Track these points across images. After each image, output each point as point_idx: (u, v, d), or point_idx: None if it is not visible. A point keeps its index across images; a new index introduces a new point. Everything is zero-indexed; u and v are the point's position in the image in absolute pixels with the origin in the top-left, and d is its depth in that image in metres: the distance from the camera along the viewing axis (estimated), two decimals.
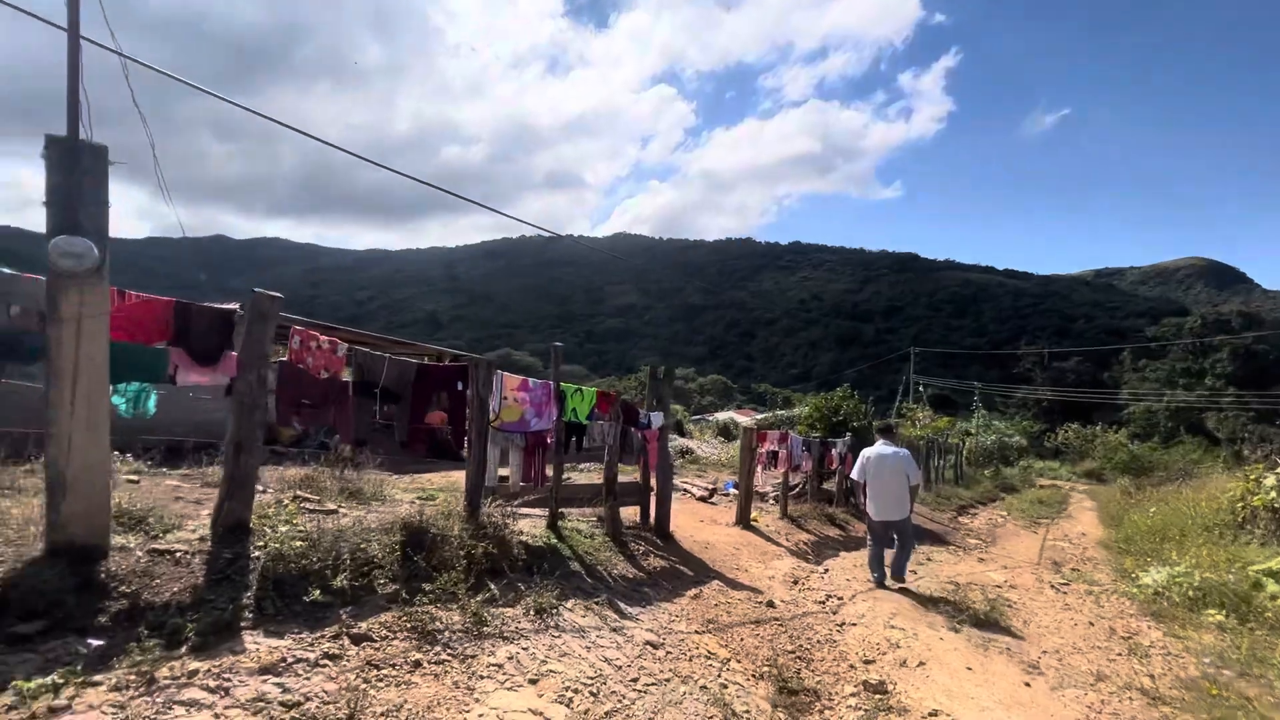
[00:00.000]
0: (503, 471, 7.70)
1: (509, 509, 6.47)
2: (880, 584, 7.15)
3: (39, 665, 2.56)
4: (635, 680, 3.78)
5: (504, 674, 3.38)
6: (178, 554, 3.65)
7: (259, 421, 4.17)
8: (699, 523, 9.55)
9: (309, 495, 6.17)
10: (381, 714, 2.76)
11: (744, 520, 9.47)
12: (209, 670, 2.71)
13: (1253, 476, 11.98)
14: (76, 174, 3.24)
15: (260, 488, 6.55)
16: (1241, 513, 11.53)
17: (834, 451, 11.99)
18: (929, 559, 9.63)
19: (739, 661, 4.60)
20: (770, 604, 6.17)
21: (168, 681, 2.58)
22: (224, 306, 4.04)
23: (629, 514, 8.11)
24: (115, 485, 5.92)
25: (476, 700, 3.07)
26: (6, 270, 3.44)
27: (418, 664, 3.24)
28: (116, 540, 3.75)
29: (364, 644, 3.27)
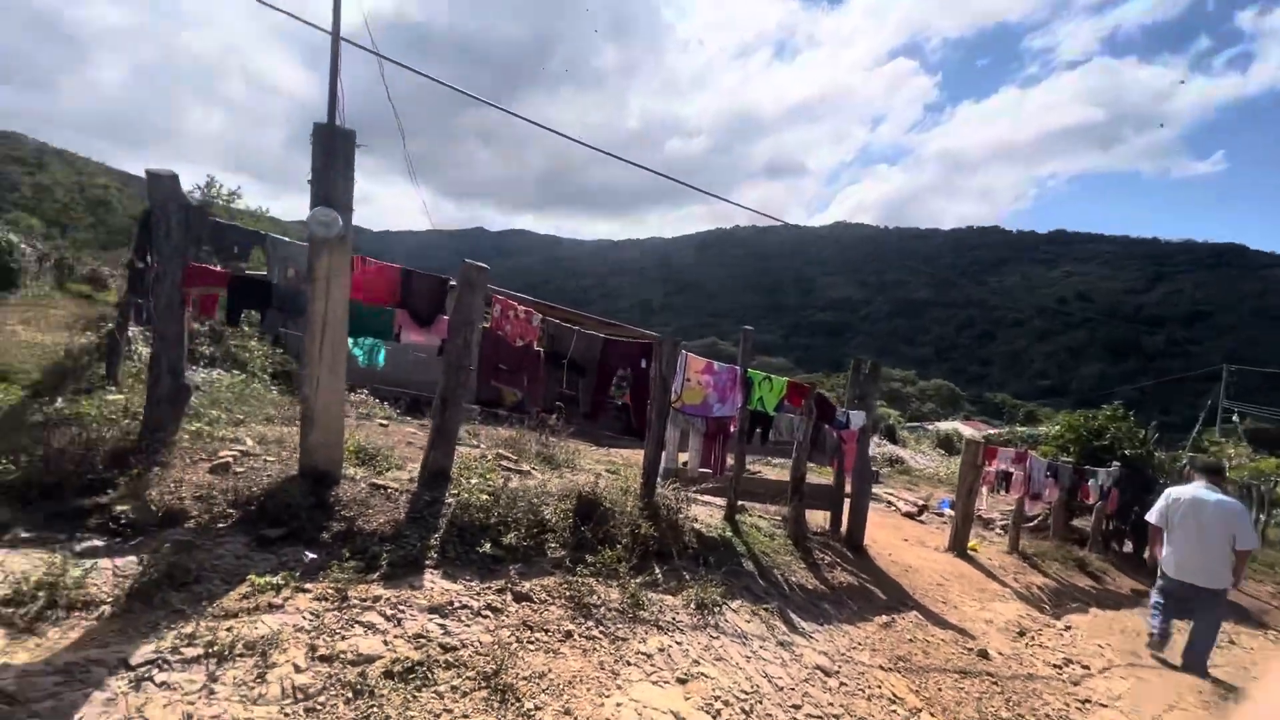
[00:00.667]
0: (683, 456, 7.60)
1: (685, 493, 6.34)
2: (1160, 659, 5.61)
3: (272, 565, 3.04)
4: (797, 707, 3.33)
5: (652, 665, 3.20)
6: (390, 490, 4.14)
7: (463, 380, 4.56)
8: (901, 541, 8.45)
9: (509, 455, 6.73)
10: (525, 677, 2.76)
11: (959, 547, 8.11)
12: (389, 599, 2.97)
13: None
14: (332, 155, 3.79)
15: (474, 443, 7.37)
16: None
17: (1092, 483, 9.68)
18: (1230, 641, 7.25)
19: (932, 715, 3.83)
20: (983, 654, 5.11)
21: (356, 602, 2.88)
22: (440, 275, 4.49)
23: (817, 519, 7.47)
24: (355, 425, 7.09)
25: (619, 687, 2.93)
26: (286, 239, 4.21)
27: (569, 635, 3.21)
28: (349, 471, 4.40)
29: (524, 603, 3.34)
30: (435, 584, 3.26)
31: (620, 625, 3.44)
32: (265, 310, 3.97)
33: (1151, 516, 5.74)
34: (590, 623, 3.37)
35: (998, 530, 10.44)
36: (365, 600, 2.91)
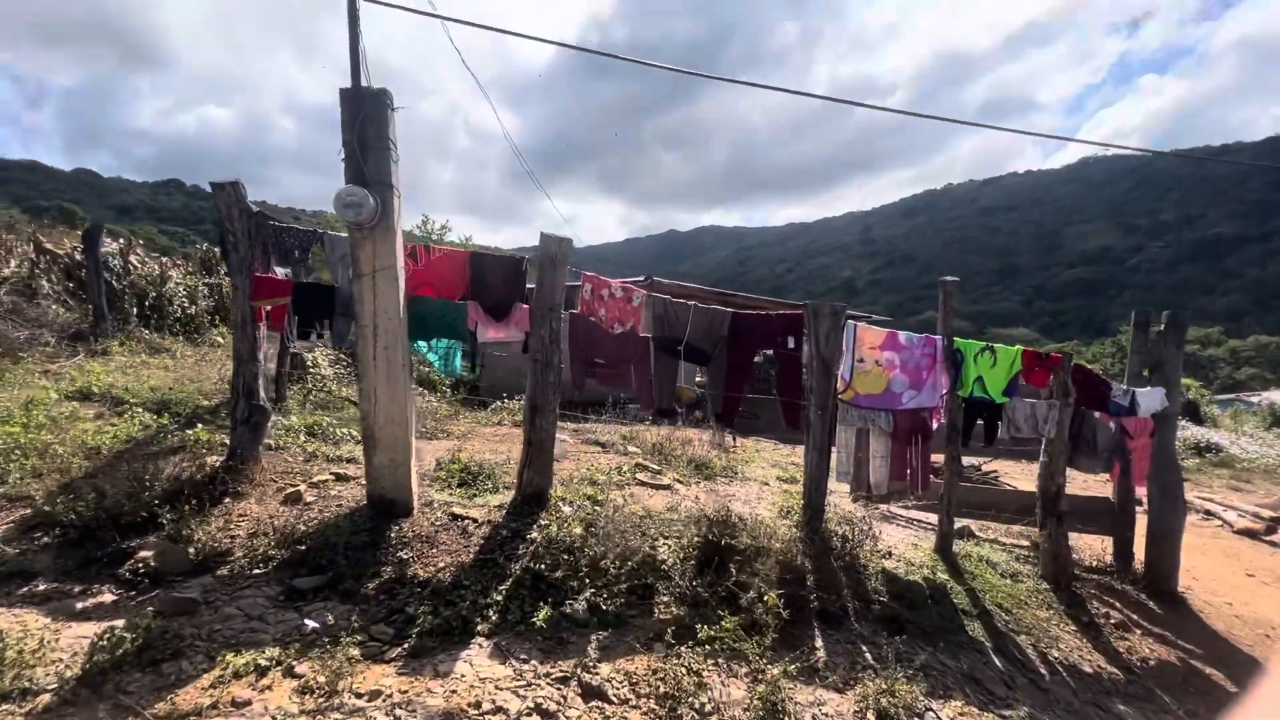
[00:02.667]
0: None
1: (874, 512, 4.73)
2: None
3: (281, 633, 2.41)
4: None
5: None
6: (469, 522, 3.40)
7: (554, 381, 3.67)
8: (1245, 579, 5.65)
9: (651, 463, 5.74)
10: None
11: None
12: (395, 694, 2.13)
13: None
14: (360, 121, 3.14)
15: (624, 448, 6.54)
16: None
17: None
18: None
19: None
20: None
21: (348, 700, 2.08)
22: (515, 256, 3.66)
23: (1090, 547, 5.26)
24: (490, 436, 6.65)
25: None
26: (343, 234, 3.73)
27: None
28: (438, 496, 3.78)
29: (593, 702, 2.28)
30: (473, 666, 2.35)
31: None
32: (332, 318, 3.55)
33: None
34: None
35: None
36: (361, 696, 2.10)
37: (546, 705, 2.22)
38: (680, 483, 5.33)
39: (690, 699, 2.31)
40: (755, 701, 2.38)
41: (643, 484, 4.99)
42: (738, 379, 3.92)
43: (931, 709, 2.56)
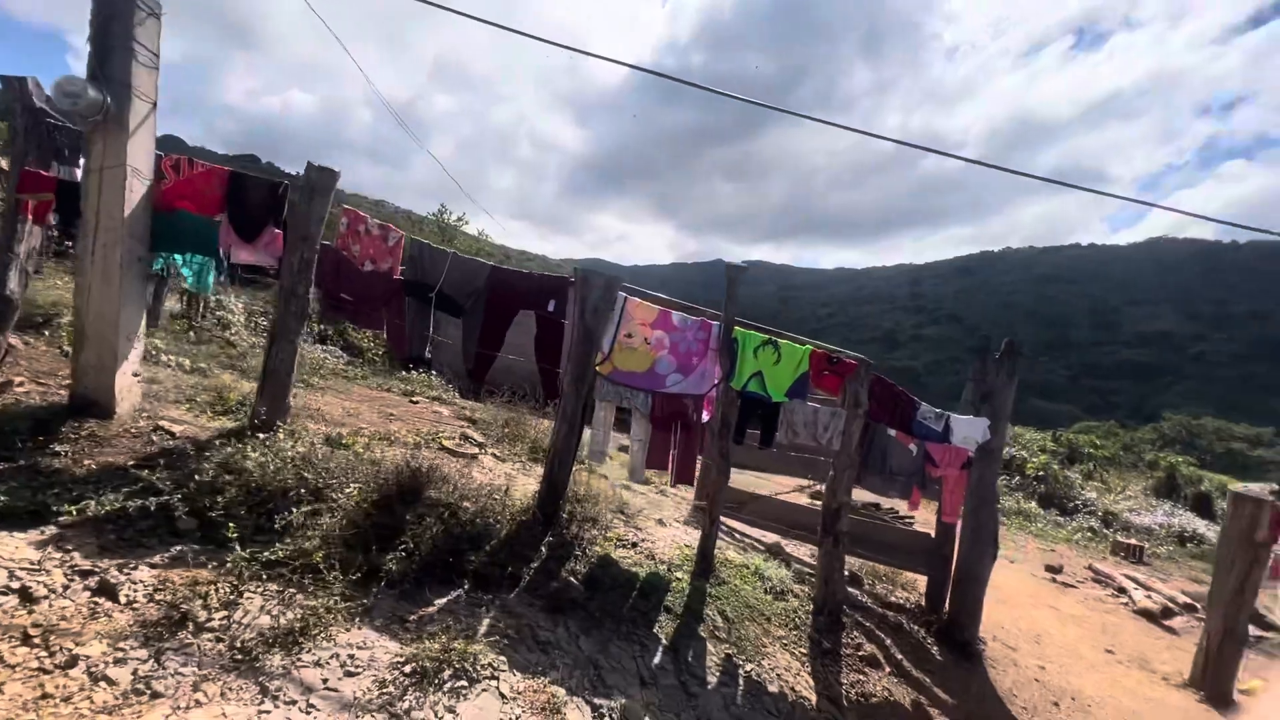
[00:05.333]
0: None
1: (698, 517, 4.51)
2: None
3: None
4: None
5: None
6: (167, 435, 3.35)
7: (296, 311, 3.61)
8: (1092, 652, 5.14)
9: (476, 435, 5.61)
10: None
11: (1216, 685, 4.54)
12: None
13: None
14: (106, 17, 3.19)
15: (484, 427, 6.41)
16: None
17: None
18: None
19: None
20: None
21: None
22: (274, 180, 3.63)
23: (917, 587, 4.91)
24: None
25: None
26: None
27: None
28: (168, 411, 3.74)
29: (99, 599, 2.15)
30: (11, 544, 2.27)
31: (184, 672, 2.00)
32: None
33: None
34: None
35: None
36: None
37: (36, 591, 2.11)
38: (498, 458, 5.17)
39: (195, 610, 2.17)
40: (281, 624, 2.22)
41: (447, 450, 4.86)
42: (492, 335, 3.78)
43: (497, 675, 2.35)
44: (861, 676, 3.42)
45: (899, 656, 3.76)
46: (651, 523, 4.53)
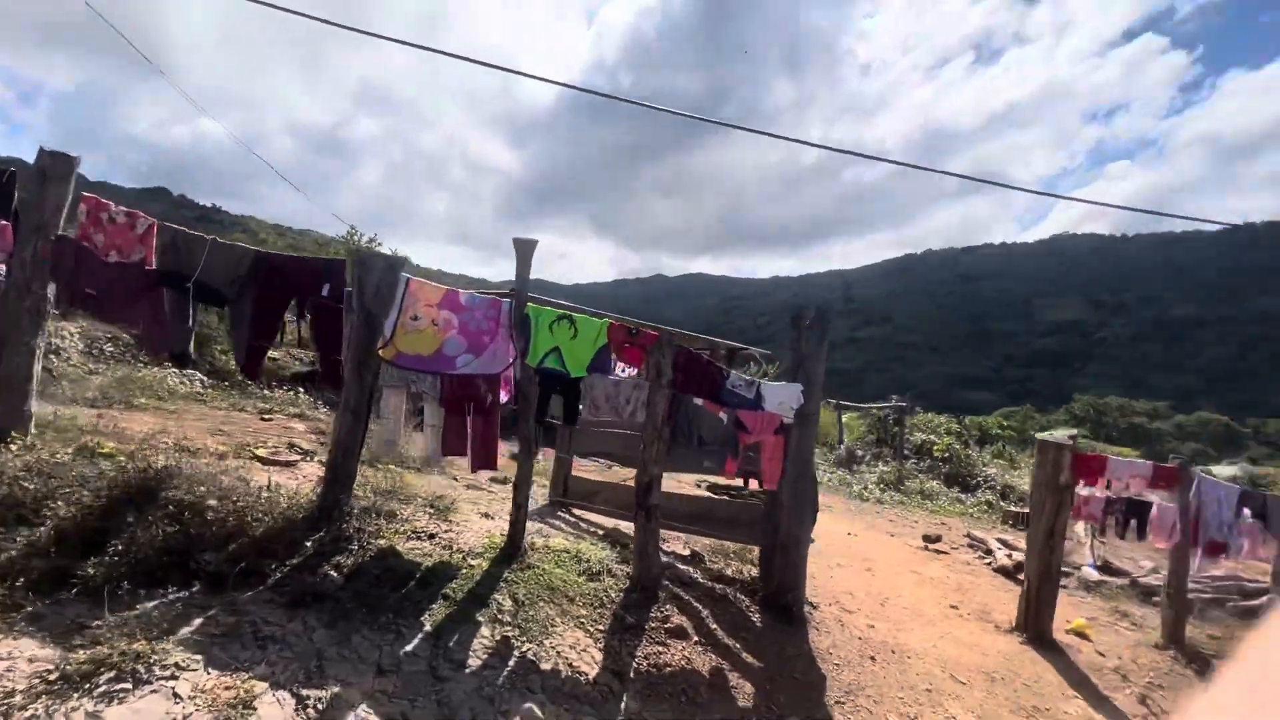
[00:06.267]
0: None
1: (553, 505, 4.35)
2: None
3: None
4: None
5: None
6: None
7: (30, 308, 3.29)
8: (944, 611, 5.28)
9: (304, 444, 5.31)
10: None
11: (1036, 626, 4.72)
12: None
13: None
14: None
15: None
16: None
17: None
18: None
19: None
20: None
21: None
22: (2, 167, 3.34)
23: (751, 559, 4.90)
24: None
25: None
26: None
27: None
28: None
29: None
30: None
31: None
32: None
33: None
34: None
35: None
36: None
37: None
38: (323, 463, 4.89)
39: None
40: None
41: (259, 459, 4.56)
42: (265, 326, 3.56)
43: (179, 674, 2.13)
44: (661, 648, 3.34)
45: (713, 626, 3.72)
46: (475, 516, 4.37)
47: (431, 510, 4.08)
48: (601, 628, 3.36)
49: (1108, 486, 4.89)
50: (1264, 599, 5.85)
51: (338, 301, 3.58)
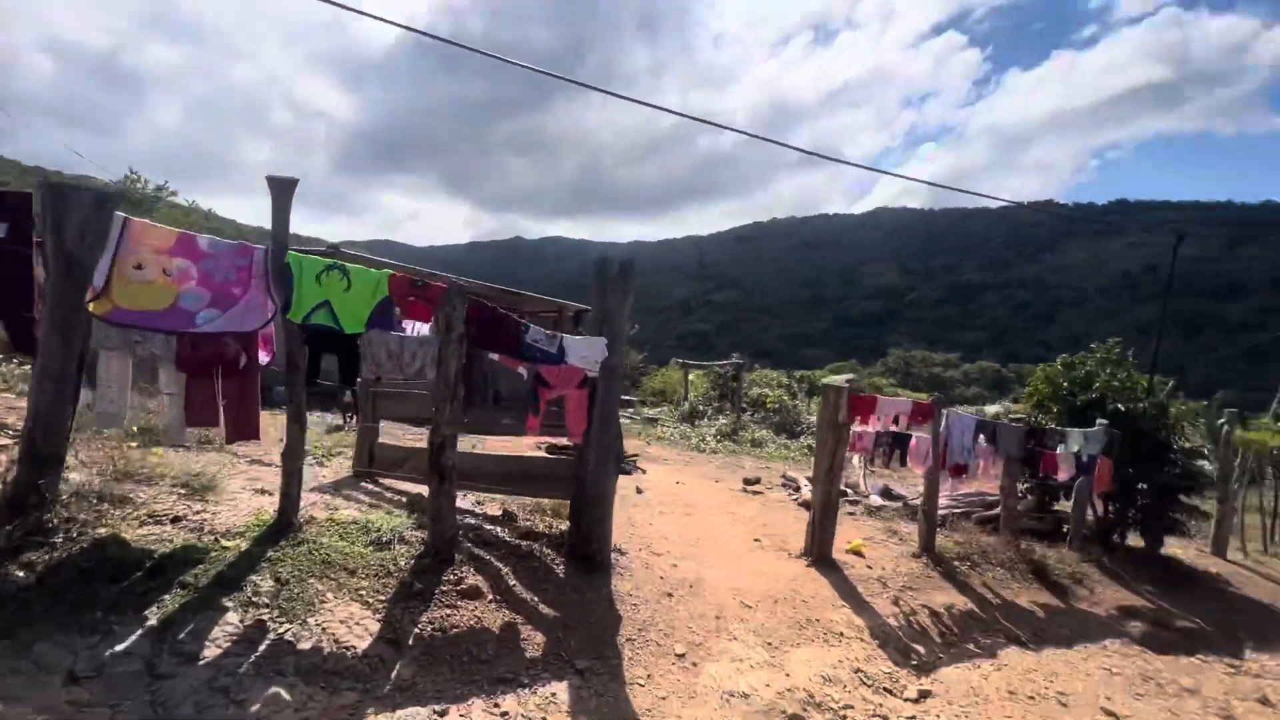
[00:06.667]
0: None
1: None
2: None
3: None
4: None
5: None
6: None
7: None
8: (748, 545, 5.74)
9: None
10: None
11: (819, 550, 5.31)
12: None
13: None
14: None
15: None
16: None
17: (1061, 450, 6.65)
18: (1263, 699, 4.25)
19: None
20: None
21: None
22: None
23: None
24: None
25: None
26: None
27: None
28: None
29: None
30: None
31: None
32: None
33: None
34: None
35: (944, 522, 7.42)
36: None
37: None
38: None
39: None
40: None
41: None
42: None
43: None
44: (450, 611, 3.24)
45: (512, 583, 3.68)
46: (247, 494, 3.91)
47: (184, 490, 3.56)
48: (384, 598, 3.17)
49: (879, 422, 5.59)
50: (997, 509, 7.11)
51: (23, 245, 2.89)
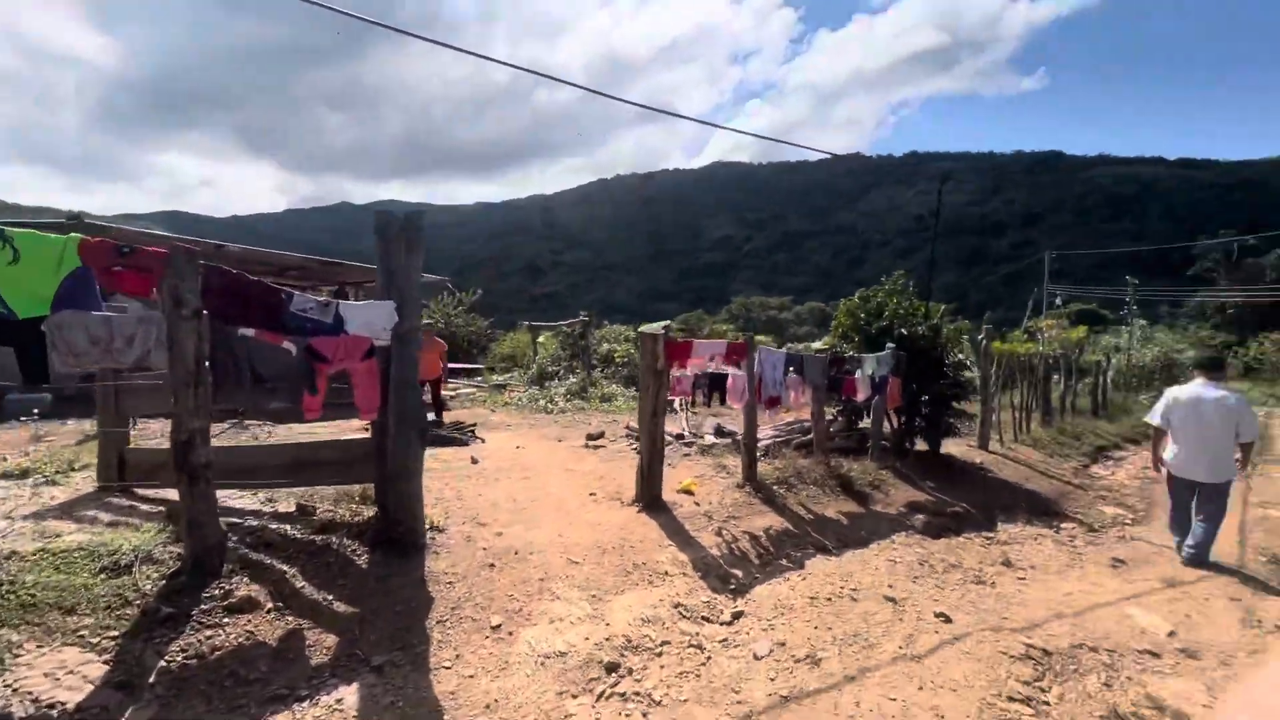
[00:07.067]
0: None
1: None
2: (1189, 561, 5.25)
3: None
4: None
5: None
6: None
7: None
8: (584, 499, 5.70)
9: None
10: None
11: (649, 494, 5.42)
12: None
13: None
14: None
15: None
16: None
17: (859, 375, 7.41)
18: (1005, 561, 5.13)
19: None
20: None
21: None
22: None
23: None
24: None
25: None
26: None
27: None
28: None
29: None
30: None
31: None
32: None
33: (1152, 418, 5.61)
34: None
35: (763, 454, 8.02)
36: None
37: None
38: None
39: None
40: None
41: None
42: None
43: None
44: (213, 632, 2.78)
45: (300, 585, 3.27)
46: None
47: None
48: (116, 634, 2.62)
49: (696, 366, 5.78)
50: (810, 435, 7.82)
51: None
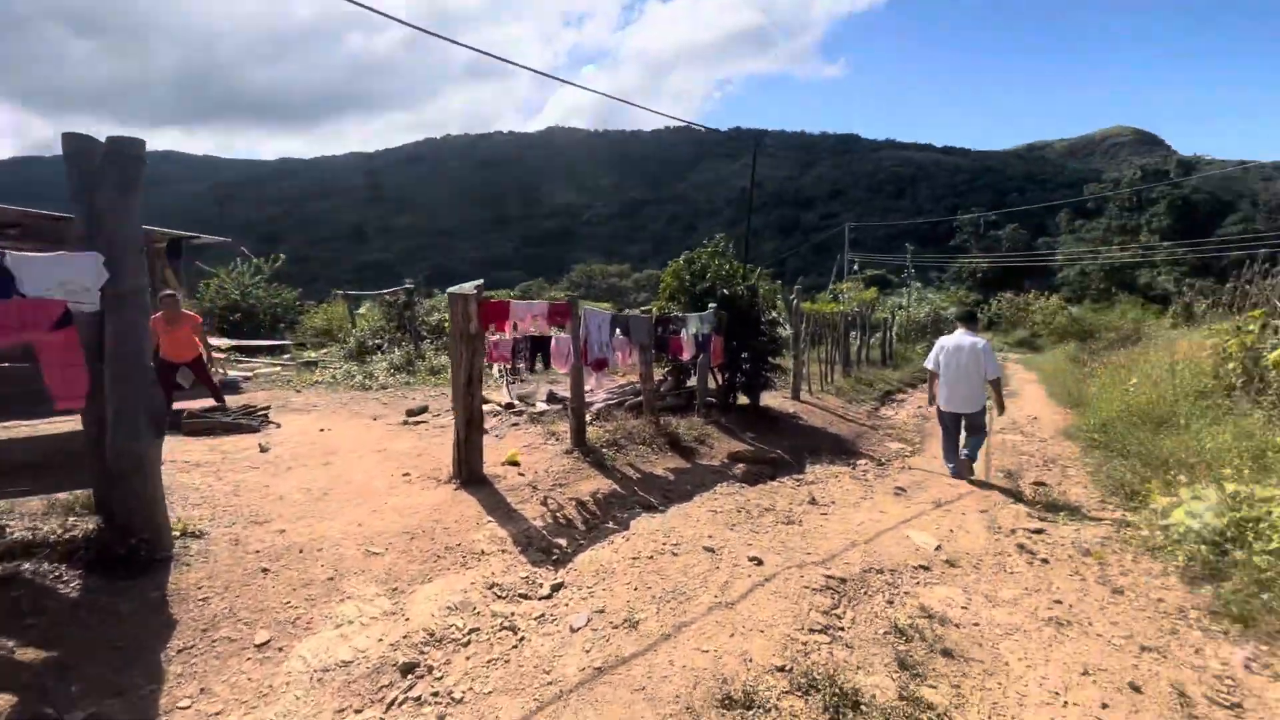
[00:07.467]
0: None
1: None
2: (956, 474, 6.40)
3: None
4: None
5: None
6: None
7: None
8: (395, 481, 5.12)
9: None
10: None
11: (468, 469, 5.02)
12: None
13: (1250, 328, 8.51)
14: None
15: None
16: (1232, 375, 8.35)
17: (684, 334, 7.57)
18: (811, 500, 5.55)
19: None
20: None
21: None
22: None
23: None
24: None
25: None
26: None
27: None
28: None
29: None
30: None
31: None
32: None
33: (928, 364, 6.44)
34: None
35: (591, 417, 7.94)
36: None
37: None
38: None
39: None
40: None
41: None
42: None
43: None
44: None
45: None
46: None
47: None
48: None
49: (515, 329, 5.41)
50: (640, 396, 7.88)
51: None
